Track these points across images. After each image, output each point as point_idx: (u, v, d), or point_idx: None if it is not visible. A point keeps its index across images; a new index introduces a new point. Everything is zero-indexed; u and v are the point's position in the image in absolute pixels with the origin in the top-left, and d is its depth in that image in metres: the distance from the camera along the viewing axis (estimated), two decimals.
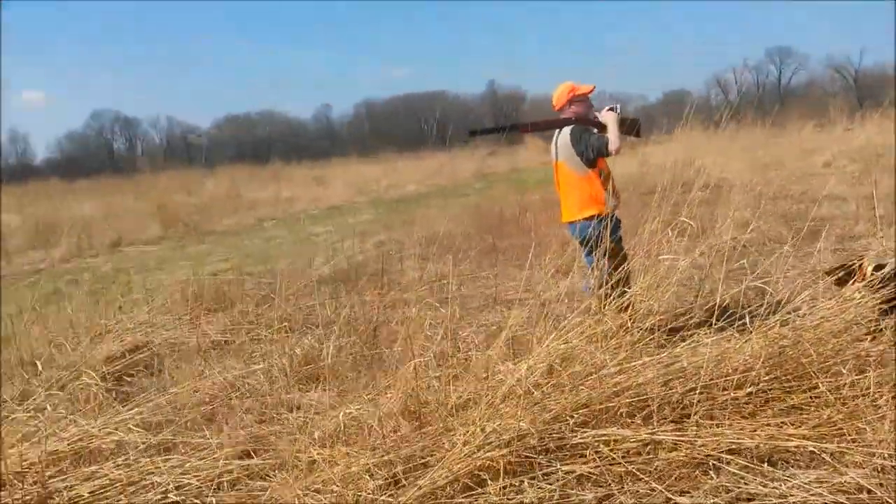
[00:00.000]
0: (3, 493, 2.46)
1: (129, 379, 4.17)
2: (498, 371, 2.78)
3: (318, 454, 2.71)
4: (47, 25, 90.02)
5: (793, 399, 2.81)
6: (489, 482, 2.39)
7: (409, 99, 66.85)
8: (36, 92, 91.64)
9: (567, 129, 3.86)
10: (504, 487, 2.36)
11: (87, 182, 29.22)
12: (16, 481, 2.60)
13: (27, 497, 2.49)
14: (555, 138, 3.98)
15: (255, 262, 7.96)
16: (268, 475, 2.77)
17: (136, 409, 2.85)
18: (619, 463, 2.40)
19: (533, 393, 2.57)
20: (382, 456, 2.56)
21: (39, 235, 12.95)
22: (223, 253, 9.75)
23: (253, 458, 2.84)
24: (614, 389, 2.59)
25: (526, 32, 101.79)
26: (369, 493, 2.44)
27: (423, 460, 2.60)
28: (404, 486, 2.46)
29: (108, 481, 2.41)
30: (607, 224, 3.50)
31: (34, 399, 2.97)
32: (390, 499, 2.38)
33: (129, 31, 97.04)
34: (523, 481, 2.40)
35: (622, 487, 2.34)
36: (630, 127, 3.89)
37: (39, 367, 4.04)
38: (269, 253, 8.93)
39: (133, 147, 71.54)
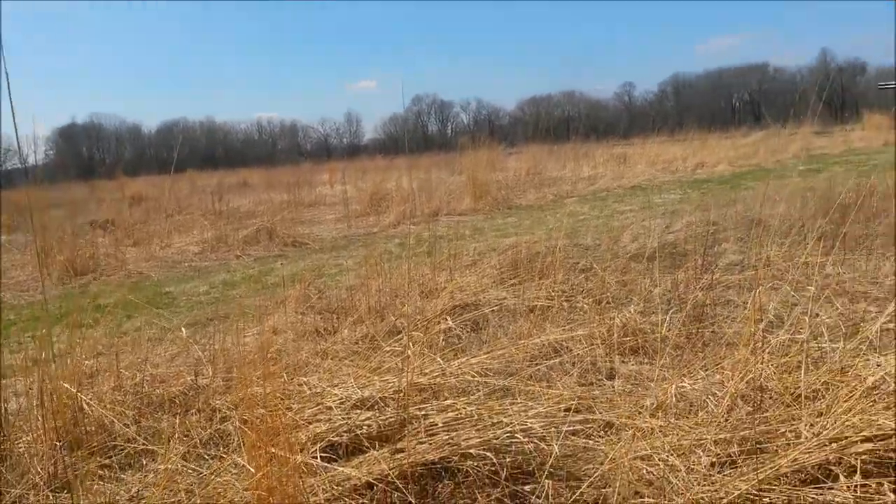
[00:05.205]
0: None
1: (458, 332, 4.63)
2: (858, 365, 2.53)
3: (644, 423, 2.75)
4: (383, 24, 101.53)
5: None
6: (841, 478, 2.20)
7: (722, 74, 62.44)
8: (370, 81, 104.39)
9: None
10: (860, 486, 2.16)
11: (405, 159, 32.60)
12: (381, 404, 3.07)
13: (390, 419, 2.93)
14: None
15: (562, 235, 8.21)
16: (592, 434, 2.89)
17: (482, 357, 3.17)
18: None
19: None
20: (718, 434, 2.51)
21: (372, 203, 14.85)
22: (528, 225, 10.21)
23: (579, 414, 2.99)
24: None
25: None
26: (702, 469, 2.42)
27: (760, 445, 2.50)
28: (740, 467, 2.38)
29: (459, 415, 2.73)
30: None
31: (397, 338, 3.48)
32: (727, 478, 2.33)
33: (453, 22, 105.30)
34: (882, 483, 2.17)
35: None
36: None
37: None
38: (574, 228, 9.14)
39: (444, 128, 78.08)
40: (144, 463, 3.14)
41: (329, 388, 3.24)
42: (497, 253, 6.64)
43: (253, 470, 2.41)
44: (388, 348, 3.27)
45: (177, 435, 3.23)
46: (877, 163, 12.90)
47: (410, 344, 3.24)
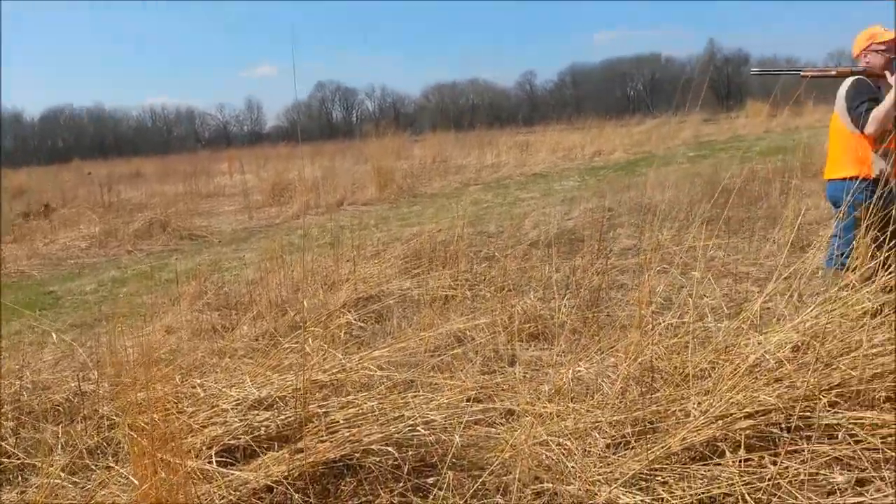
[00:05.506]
0: None
1: (361, 325, 4.57)
2: (741, 344, 2.67)
3: (543, 408, 2.81)
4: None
5: None
6: (727, 454, 2.32)
7: (617, 63, 64.78)
8: (270, 67, 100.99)
9: (849, 80, 3.52)
10: (744, 461, 2.28)
11: (309, 147, 31.86)
12: (280, 403, 2.99)
13: (290, 418, 2.85)
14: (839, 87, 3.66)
15: (466, 223, 8.25)
16: (494, 422, 2.93)
17: (383, 350, 3.13)
18: (878, 449, 2.21)
19: (780, 368, 2.44)
20: (612, 415, 2.59)
21: (275, 194, 14.46)
22: (432, 214, 10.22)
23: (480, 403, 3.02)
24: (874, 371, 2.38)
25: None
26: (598, 451, 2.49)
27: (652, 425, 2.59)
28: (634, 447, 2.47)
29: (360, 411, 2.69)
30: (875, 191, 3.16)
31: (298, 333, 3.38)
32: (621, 458, 2.41)
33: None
34: (764, 457, 2.30)
35: (880, 474, 2.16)
36: None
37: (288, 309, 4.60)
38: (478, 215, 9.23)
39: (349, 115, 76.98)
40: (24, 478, 2.92)
41: (225, 389, 3.12)
42: (401, 242, 6.61)
43: (136, 482, 2.28)
44: (287, 345, 3.18)
45: (60, 446, 3.03)
46: (758, 149, 13.73)
47: (309, 339, 3.17)
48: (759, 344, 2.60)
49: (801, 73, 3.73)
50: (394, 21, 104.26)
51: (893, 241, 2.89)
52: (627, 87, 65.71)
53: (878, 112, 3.32)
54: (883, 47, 3.48)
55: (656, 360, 2.89)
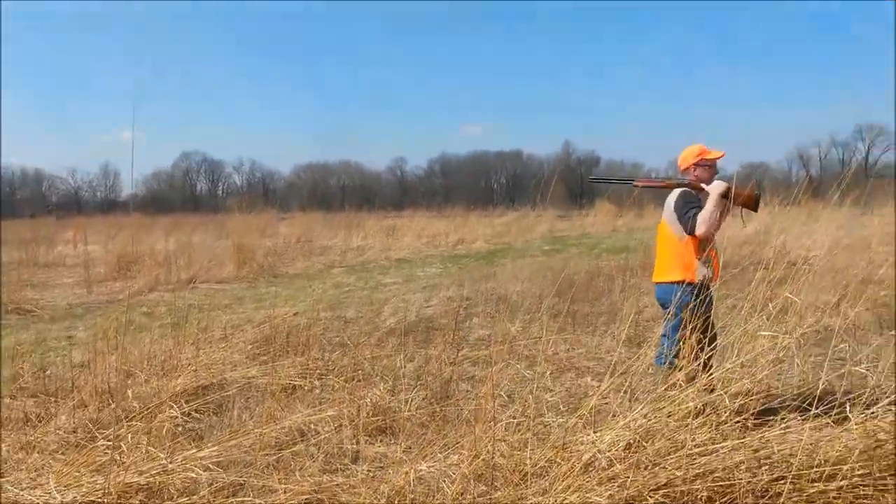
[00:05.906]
0: None
1: (198, 416, 4.24)
2: (577, 441, 2.70)
3: None
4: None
5: (887, 499, 2.63)
6: None
7: (483, 156, 68.24)
8: (131, 132, 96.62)
9: (677, 191, 3.84)
10: None
11: (168, 219, 30.42)
12: None
13: None
14: (667, 197, 3.96)
15: (324, 307, 8.07)
16: None
17: (212, 449, 2.89)
18: None
19: (612, 467, 2.48)
20: None
21: (121, 267, 13.54)
22: (290, 295, 9.94)
23: None
24: (697, 472, 2.48)
25: (602, 100, 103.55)
26: None
27: None
28: None
29: None
30: (697, 295, 3.40)
31: (115, 428, 3.06)
32: None
33: (221, 80, 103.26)
34: None
35: None
36: (747, 200, 3.79)
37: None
38: (338, 299, 9.09)
39: (215, 188, 74.83)
40: None
41: (25, 493, 2.74)
42: (252, 325, 6.33)
43: None
44: (101, 442, 2.86)
45: None
46: (604, 246, 14.69)
47: (129, 436, 2.87)
48: (592, 443, 2.65)
49: (634, 183, 4.05)
50: (261, 96, 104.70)
51: (713, 345, 3.10)
52: (492, 179, 69.07)
53: (703, 214, 3.64)
54: (709, 163, 3.87)
55: (498, 456, 2.86)
